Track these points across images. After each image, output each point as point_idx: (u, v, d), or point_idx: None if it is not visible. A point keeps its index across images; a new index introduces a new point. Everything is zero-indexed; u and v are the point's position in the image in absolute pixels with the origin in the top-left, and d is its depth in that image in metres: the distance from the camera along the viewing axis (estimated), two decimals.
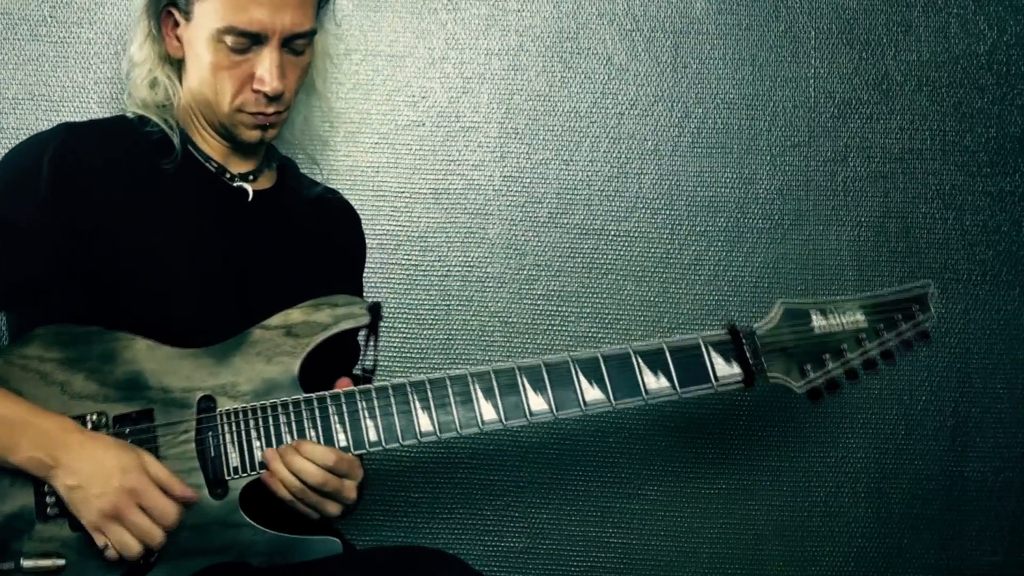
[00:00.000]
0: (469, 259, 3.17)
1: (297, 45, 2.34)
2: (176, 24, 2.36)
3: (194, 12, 2.30)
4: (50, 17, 2.96)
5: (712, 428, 3.30)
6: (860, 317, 2.44)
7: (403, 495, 3.18)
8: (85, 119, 2.86)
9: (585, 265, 3.22)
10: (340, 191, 2.74)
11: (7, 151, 2.40)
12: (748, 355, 2.40)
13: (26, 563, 2.09)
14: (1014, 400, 3.36)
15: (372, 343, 2.50)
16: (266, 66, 2.29)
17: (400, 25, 3.14)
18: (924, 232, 3.31)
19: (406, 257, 3.14)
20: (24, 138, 2.82)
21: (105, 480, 2.06)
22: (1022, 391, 3.37)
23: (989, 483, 3.36)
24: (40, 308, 2.27)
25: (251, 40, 2.28)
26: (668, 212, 3.25)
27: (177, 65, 2.44)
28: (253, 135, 2.39)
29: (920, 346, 2.48)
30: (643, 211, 3.24)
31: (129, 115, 2.44)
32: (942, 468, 3.35)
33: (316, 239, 2.56)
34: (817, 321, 2.43)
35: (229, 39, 2.27)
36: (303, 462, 2.16)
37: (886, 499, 3.34)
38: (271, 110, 2.35)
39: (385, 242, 3.11)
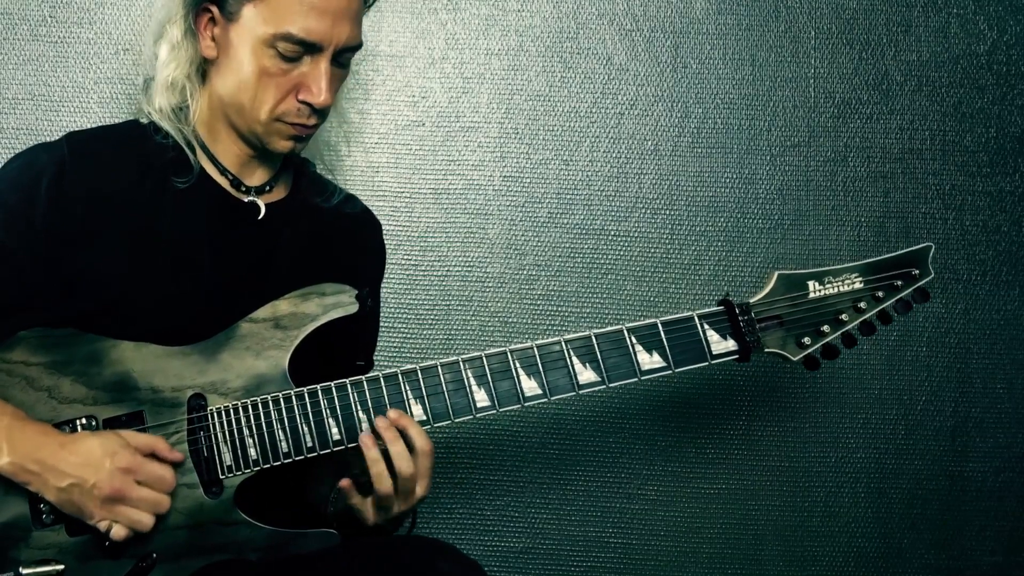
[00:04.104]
0: (469, 259, 3.17)
1: (345, 58, 2.31)
2: (212, 22, 2.30)
3: (242, 14, 2.23)
4: (50, 17, 2.96)
5: (712, 428, 3.30)
6: (858, 284, 2.40)
7: None
8: (85, 119, 2.91)
9: (585, 265, 3.22)
10: None
11: (11, 156, 2.37)
12: (743, 329, 2.37)
13: (24, 571, 2.09)
14: (1014, 400, 3.36)
15: (367, 334, 2.50)
16: (318, 78, 2.25)
17: (400, 25, 3.14)
18: (924, 232, 3.31)
19: (406, 257, 3.15)
20: (24, 138, 2.84)
21: (96, 468, 2.05)
22: (1022, 391, 3.37)
23: (989, 483, 3.36)
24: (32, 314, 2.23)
25: (304, 49, 2.23)
26: (668, 212, 3.25)
27: (202, 67, 2.37)
28: (286, 145, 2.34)
29: (917, 309, 2.46)
30: (643, 211, 3.24)
31: (142, 121, 2.39)
32: (942, 468, 3.35)
33: (329, 252, 2.51)
34: (814, 289, 2.39)
35: (282, 46, 2.21)
36: (403, 447, 2.20)
37: (886, 499, 3.34)
38: (312, 122, 2.31)
39: (385, 242, 3.10)
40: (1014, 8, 3.33)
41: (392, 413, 2.21)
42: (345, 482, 2.25)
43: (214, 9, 2.28)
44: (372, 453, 2.19)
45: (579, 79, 3.22)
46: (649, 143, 3.24)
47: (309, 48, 2.22)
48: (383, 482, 2.19)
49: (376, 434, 2.21)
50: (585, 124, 3.22)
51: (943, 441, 3.35)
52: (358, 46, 2.32)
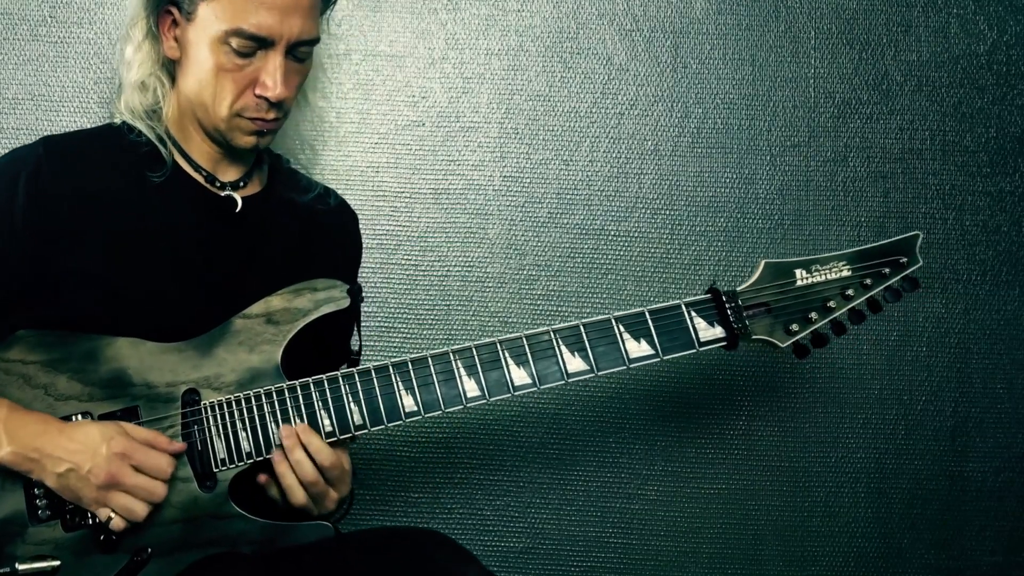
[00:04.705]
0: (469, 259, 3.17)
1: (301, 52, 2.32)
2: (175, 24, 2.33)
3: (198, 13, 2.26)
4: (50, 17, 2.97)
5: (712, 429, 3.30)
6: (846, 271, 2.42)
7: (403, 495, 3.18)
8: (85, 119, 2.93)
9: (585, 265, 3.22)
10: (340, 191, 2.72)
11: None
12: (731, 316, 2.38)
13: (21, 567, 2.10)
14: (1014, 400, 3.35)
15: (355, 327, 2.51)
16: (271, 71, 2.26)
17: (400, 25, 3.15)
18: (924, 232, 3.27)
19: (406, 257, 3.15)
20: (24, 138, 2.85)
21: (93, 454, 2.08)
22: (1022, 391, 3.36)
23: (989, 483, 3.36)
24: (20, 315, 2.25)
25: (257, 44, 2.24)
26: (668, 212, 3.25)
27: (170, 68, 2.42)
28: (248, 141, 2.36)
29: (909, 294, 2.47)
30: (643, 211, 3.24)
31: (116, 122, 2.43)
32: (942, 468, 3.35)
33: (308, 244, 2.54)
34: (801, 277, 2.40)
35: (235, 42, 2.23)
36: (302, 454, 2.20)
37: (886, 499, 3.34)
38: (271, 116, 2.33)
39: (385, 242, 3.11)
40: (1014, 8, 3.33)
41: (299, 427, 2.23)
42: (263, 477, 2.27)
43: (175, 11, 2.31)
44: (281, 467, 2.22)
45: (579, 79, 3.22)
46: (649, 143, 3.24)
47: (261, 43, 2.25)
48: (295, 494, 2.22)
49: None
50: (585, 124, 3.22)
51: (943, 441, 3.34)
52: (314, 40, 2.34)
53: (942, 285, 3.31)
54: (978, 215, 3.34)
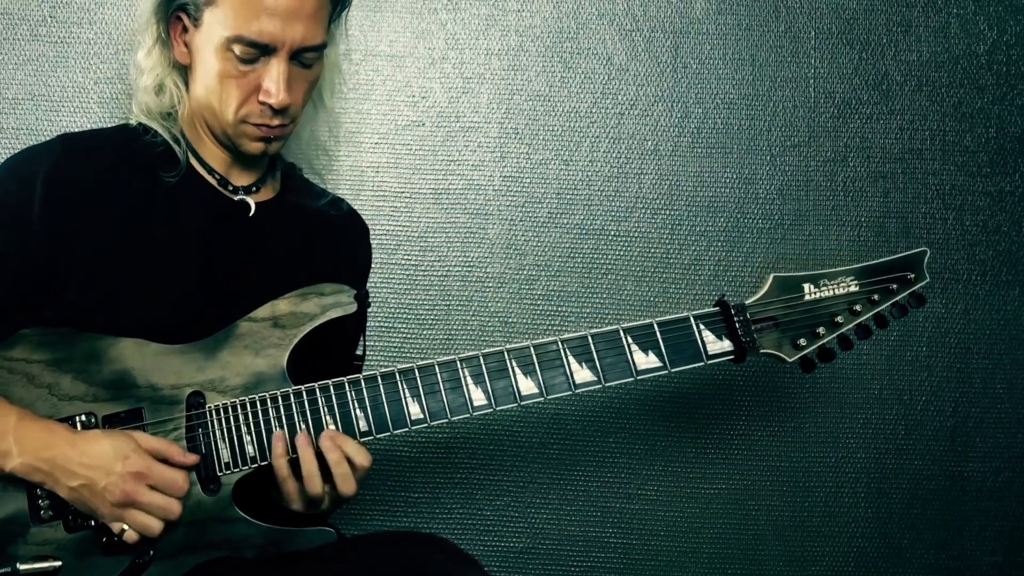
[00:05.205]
0: (469, 259, 3.17)
1: (306, 58, 2.31)
2: (184, 30, 2.32)
3: (203, 19, 2.25)
4: (50, 17, 2.97)
5: (712, 429, 3.30)
6: (854, 287, 2.42)
7: (403, 495, 3.18)
8: (85, 119, 2.92)
9: (585, 265, 3.22)
10: (340, 191, 2.71)
11: (4, 160, 2.38)
12: (739, 330, 2.38)
13: (22, 567, 2.10)
14: (1014, 400, 3.36)
15: (360, 332, 2.51)
16: (273, 78, 2.25)
17: (400, 25, 3.14)
18: (924, 232, 3.30)
19: (406, 257, 3.14)
20: (24, 138, 2.85)
21: (107, 471, 2.07)
22: (1022, 391, 3.36)
23: (989, 483, 3.36)
24: (27, 315, 2.24)
25: (260, 51, 2.23)
26: (668, 212, 3.25)
27: (184, 72, 2.41)
28: (256, 147, 2.35)
29: (915, 310, 2.47)
30: (643, 211, 3.23)
31: (132, 123, 2.42)
32: (942, 468, 3.35)
33: (318, 251, 2.53)
34: (809, 292, 2.41)
35: (237, 48, 2.22)
36: (339, 455, 2.20)
37: (886, 499, 3.34)
38: (276, 122, 2.32)
39: (385, 242, 3.11)
40: (1014, 8, 3.33)
41: (329, 433, 2.22)
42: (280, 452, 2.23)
43: (184, 17, 2.31)
44: (307, 454, 2.20)
45: (579, 79, 3.22)
46: (649, 143, 3.24)
47: (263, 49, 2.24)
48: (314, 483, 2.20)
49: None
50: (585, 124, 3.22)
51: (943, 441, 3.35)
52: (319, 46, 2.32)
53: (942, 285, 3.31)
54: (978, 215, 3.34)
